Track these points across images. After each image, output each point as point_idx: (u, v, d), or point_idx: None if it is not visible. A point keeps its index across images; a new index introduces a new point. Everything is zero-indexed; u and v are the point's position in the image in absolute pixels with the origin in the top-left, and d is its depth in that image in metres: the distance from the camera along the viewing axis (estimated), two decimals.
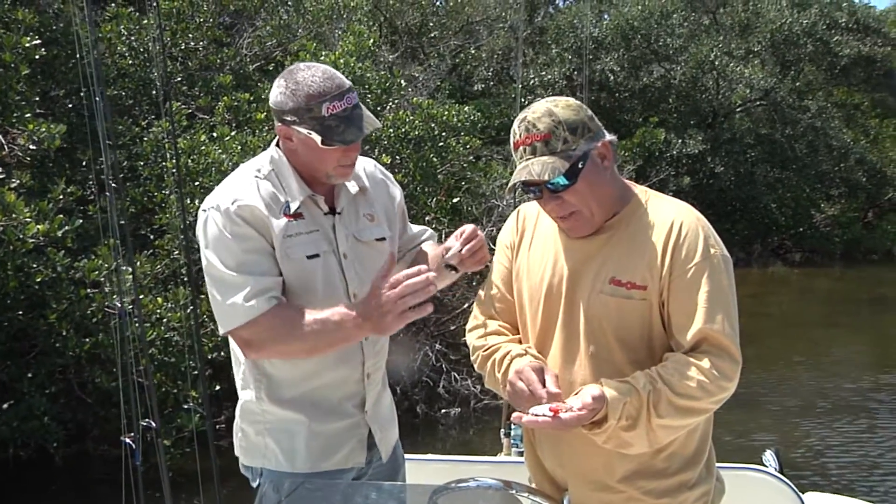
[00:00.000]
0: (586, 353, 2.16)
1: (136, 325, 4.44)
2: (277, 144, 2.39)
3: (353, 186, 2.45)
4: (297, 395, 2.37)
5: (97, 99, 3.71)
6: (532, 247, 2.32)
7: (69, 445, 6.30)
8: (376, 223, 2.48)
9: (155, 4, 5.71)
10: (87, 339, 5.76)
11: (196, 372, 6.01)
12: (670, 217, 2.14)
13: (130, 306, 5.49)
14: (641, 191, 2.25)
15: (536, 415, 1.96)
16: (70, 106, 8.01)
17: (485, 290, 2.44)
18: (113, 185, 3.77)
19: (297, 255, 2.29)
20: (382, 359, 2.52)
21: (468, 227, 2.44)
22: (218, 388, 5.98)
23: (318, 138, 2.22)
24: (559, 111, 2.12)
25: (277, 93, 2.27)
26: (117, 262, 4.41)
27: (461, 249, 2.40)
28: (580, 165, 2.10)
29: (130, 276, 4.59)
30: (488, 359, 2.31)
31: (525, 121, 2.13)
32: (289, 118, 2.25)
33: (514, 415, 2.00)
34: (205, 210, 2.30)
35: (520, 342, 2.33)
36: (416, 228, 2.71)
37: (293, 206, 2.30)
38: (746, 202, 20.74)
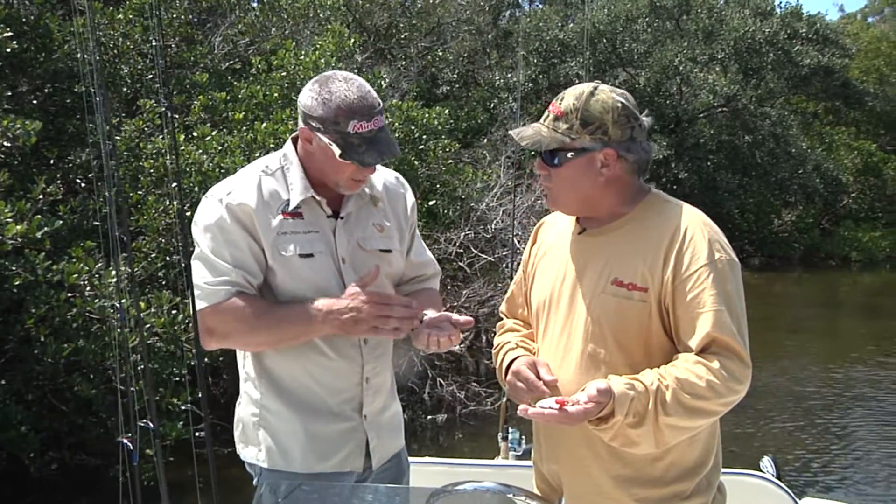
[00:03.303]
0: (584, 353, 2.16)
1: (132, 325, 4.30)
2: (294, 141, 2.43)
3: (365, 193, 2.46)
4: (296, 393, 2.40)
5: (98, 99, 3.53)
6: (546, 255, 2.38)
7: (43, 455, 6.06)
8: (385, 235, 2.48)
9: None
10: (67, 345, 5.54)
11: (177, 379, 5.86)
12: (675, 222, 2.14)
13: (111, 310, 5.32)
14: (654, 195, 2.26)
15: (543, 408, 1.95)
16: (35, 103, 7.76)
17: (510, 290, 2.57)
18: (113, 185, 3.61)
19: (289, 252, 2.31)
20: (384, 364, 2.51)
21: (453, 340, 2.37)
22: (200, 395, 5.81)
23: (337, 151, 2.26)
24: (590, 100, 2.15)
25: (309, 96, 2.30)
26: (115, 262, 4.25)
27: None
28: (569, 155, 2.16)
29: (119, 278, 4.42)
30: (496, 356, 2.41)
31: (565, 91, 2.22)
32: (314, 124, 2.28)
33: (521, 408, 1.99)
34: (206, 197, 2.39)
35: (531, 338, 2.39)
36: (426, 255, 2.68)
37: (293, 204, 2.34)
38: (710, 208, 20.72)
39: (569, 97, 2.18)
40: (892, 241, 23.95)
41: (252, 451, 2.44)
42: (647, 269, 2.11)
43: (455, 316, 2.37)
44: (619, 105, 2.15)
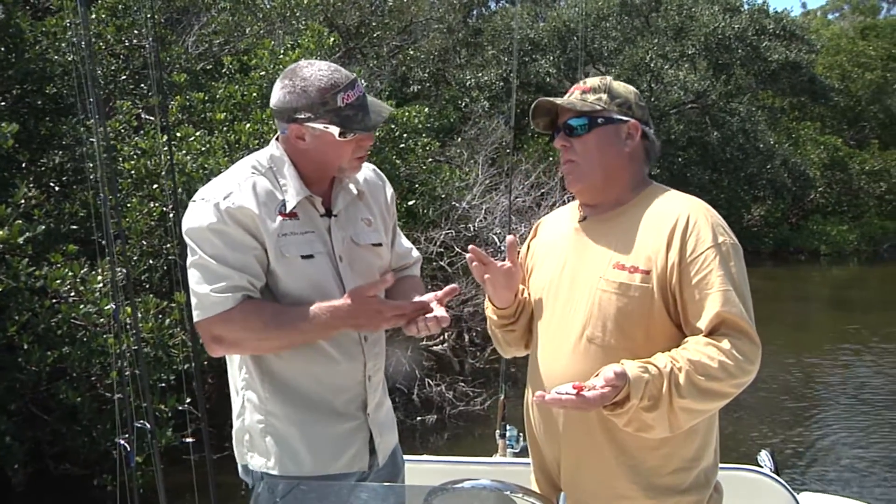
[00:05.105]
0: (584, 337, 2.17)
1: (125, 326, 4.24)
2: (277, 140, 2.39)
3: (352, 189, 2.45)
4: (301, 396, 2.35)
5: (91, 100, 3.45)
6: (546, 246, 2.41)
7: (26, 465, 5.91)
8: (373, 228, 2.48)
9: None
10: (51, 353, 5.39)
11: (163, 384, 5.75)
12: (677, 207, 2.18)
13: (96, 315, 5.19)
14: (654, 185, 2.32)
15: (560, 393, 1.93)
16: (4, 104, 7.56)
17: None
18: (107, 188, 3.53)
19: (291, 254, 2.28)
20: (381, 361, 2.51)
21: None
22: (189, 400, 5.70)
23: (336, 130, 2.23)
24: (614, 81, 2.28)
25: (283, 94, 2.27)
26: (112, 266, 4.19)
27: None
28: (599, 121, 2.22)
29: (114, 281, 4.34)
30: (488, 314, 2.46)
31: (584, 79, 2.32)
32: (302, 116, 2.24)
33: (538, 394, 1.97)
34: (195, 200, 2.30)
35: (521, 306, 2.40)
36: (405, 244, 2.70)
37: (289, 206, 2.30)
38: None
39: (592, 79, 2.28)
40: (859, 234, 24.35)
41: (261, 461, 2.37)
42: (651, 253, 2.13)
43: (439, 293, 2.36)
44: (634, 90, 2.29)
